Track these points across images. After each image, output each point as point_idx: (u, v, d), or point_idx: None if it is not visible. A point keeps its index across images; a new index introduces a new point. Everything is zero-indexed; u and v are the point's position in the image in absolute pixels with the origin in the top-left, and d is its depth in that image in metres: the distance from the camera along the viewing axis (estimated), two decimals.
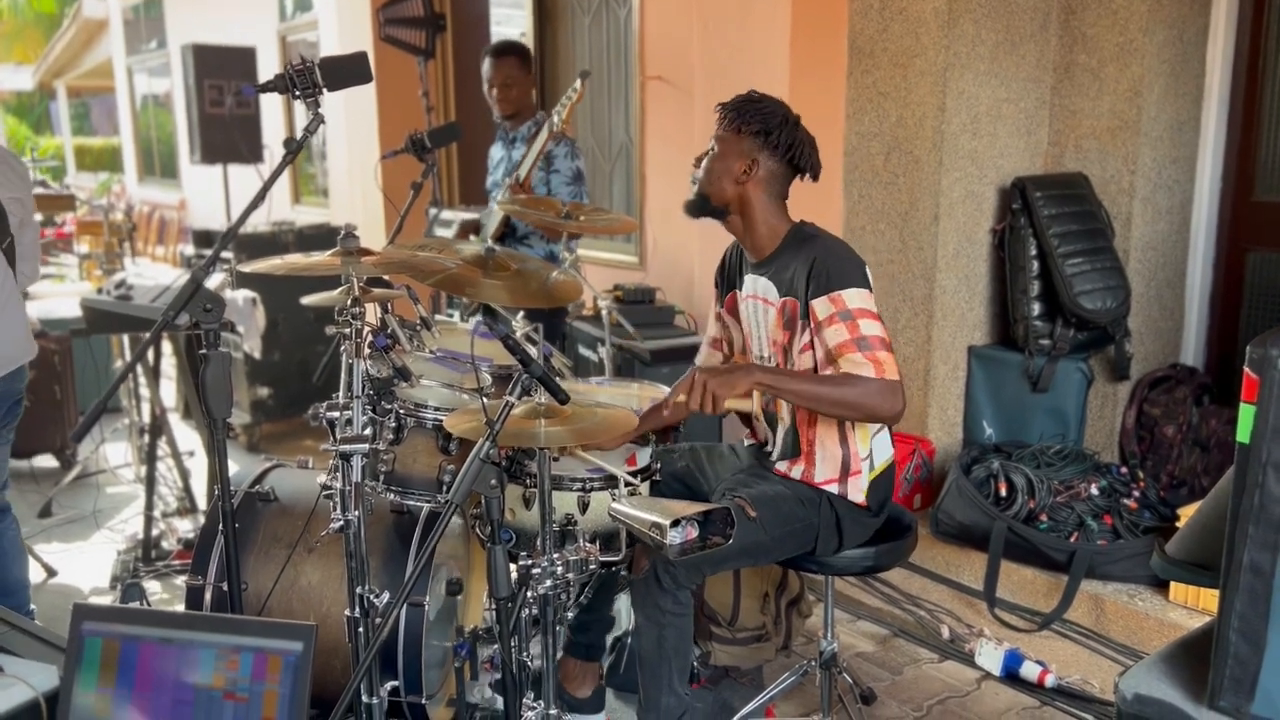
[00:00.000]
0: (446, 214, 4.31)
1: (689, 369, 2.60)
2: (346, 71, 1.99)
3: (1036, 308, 3.56)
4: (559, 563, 2.03)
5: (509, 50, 3.85)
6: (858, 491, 2.26)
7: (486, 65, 3.83)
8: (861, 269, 2.17)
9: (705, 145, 2.31)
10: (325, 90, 1.95)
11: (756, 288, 2.33)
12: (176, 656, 1.43)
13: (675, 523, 1.84)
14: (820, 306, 2.13)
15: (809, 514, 2.24)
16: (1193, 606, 2.94)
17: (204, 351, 1.90)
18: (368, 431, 1.96)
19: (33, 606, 2.92)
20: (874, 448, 2.29)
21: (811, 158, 2.27)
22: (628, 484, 2.20)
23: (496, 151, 4.00)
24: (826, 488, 2.26)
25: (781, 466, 2.31)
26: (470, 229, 4.05)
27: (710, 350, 2.57)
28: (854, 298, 2.11)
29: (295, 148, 1.93)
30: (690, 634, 2.22)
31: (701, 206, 2.30)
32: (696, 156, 2.32)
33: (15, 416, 2.78)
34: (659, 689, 2.17)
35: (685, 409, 2.13)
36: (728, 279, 2.47)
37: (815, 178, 2.30)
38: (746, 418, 2.49)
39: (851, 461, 2.25)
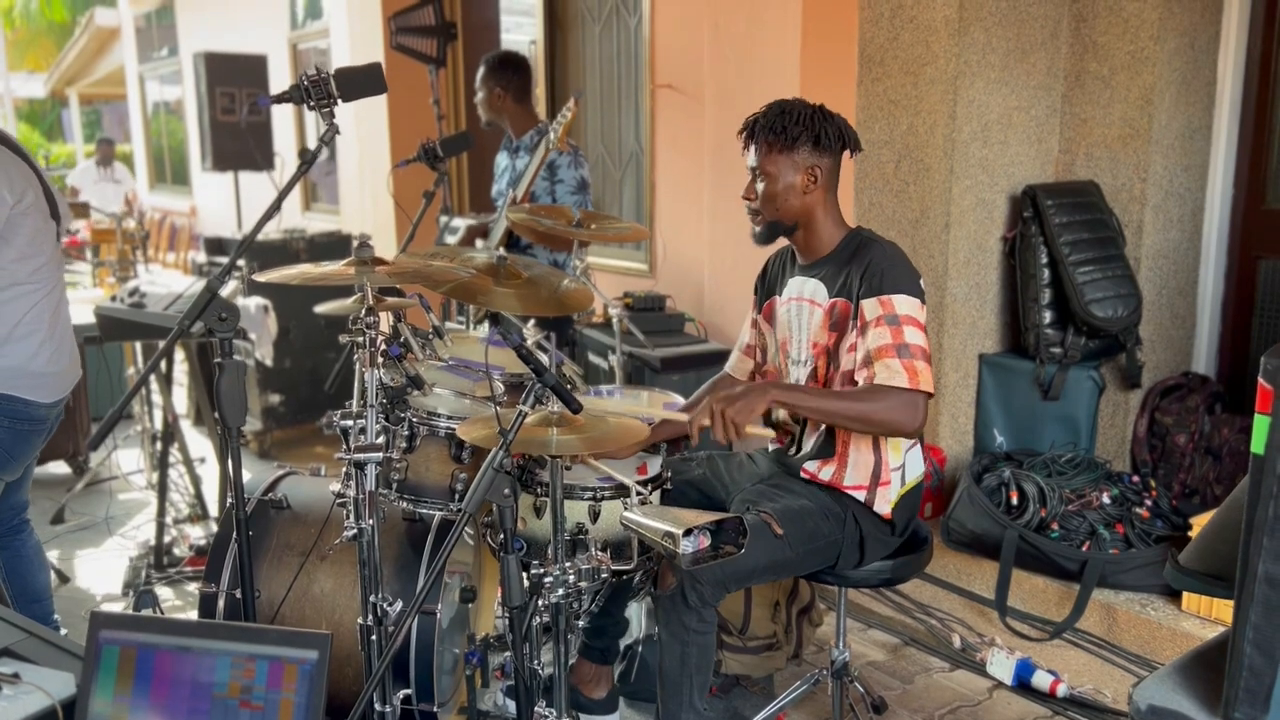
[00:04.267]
0: (456, 222, 4.33)
1: (707, 382, 2.61)
2: (361, 82, 2.01)
3: (1047, 316, 3.55)
4: (570, 571, 2.04)
5: (482, 62, 3.96)
6: (885, 503, 2.25)
7: None
8: (915, 279, 2.17)
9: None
10: (340, 101, 1.97)
11: (804, 290, 2.32)
12: (193, 664, 1.43)
13: (688, 532, 1.85)
14: (869, 307, 2.13)
15: (834, 529, 2.23)
16: (1205, 616, 2.93)
17: (219, 360, 1.91)
18: (381, 440, 1.97)
19: (57, 616, 2.92)
20: (906, 461, 2.28)
21: (854, 135, 2.27)
22: (638, 493, 2.20)
23: (502, 159, 4.03)
24: (855, 493, 2.24)
25: (810, 467, 2.29)
26: (477, 233, 4.07)
27: (742, 356, 2.57)
28: (903, 304, 2.11)
29: (311, 157, 1.95)
30: (713, 651, 2.21)
31: (774, 233, 2.30)
32: (744, 193, 2.29)
33: (47, 439, 2.75)
34: (679, 706, 2.16)
35: (705, 431, 2.12)
36: (768, 286, 2.47)
37: (859, 149, 2.29)
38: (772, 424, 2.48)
39: (882, 471, 2.24)
